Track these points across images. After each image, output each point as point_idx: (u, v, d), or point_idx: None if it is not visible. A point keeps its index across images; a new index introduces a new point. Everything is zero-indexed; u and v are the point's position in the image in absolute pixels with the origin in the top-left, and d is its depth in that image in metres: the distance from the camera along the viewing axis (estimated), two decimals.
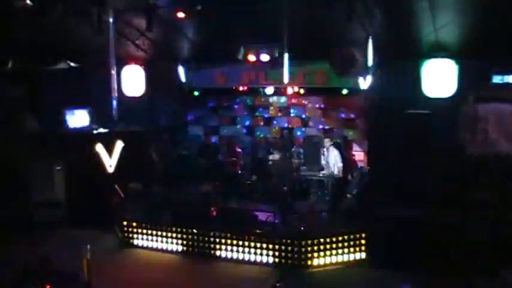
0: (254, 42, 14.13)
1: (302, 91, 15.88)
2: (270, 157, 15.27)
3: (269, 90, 16.17)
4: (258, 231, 11.64)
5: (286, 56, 12.82)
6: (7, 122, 14.04)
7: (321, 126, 16.43)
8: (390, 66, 13.74)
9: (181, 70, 16.66)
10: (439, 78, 12.55)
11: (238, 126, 17.78)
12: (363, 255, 11.38)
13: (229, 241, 11.75)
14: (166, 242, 12.36)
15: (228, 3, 11.59)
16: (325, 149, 13.39)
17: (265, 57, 14.57)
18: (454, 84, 12.53)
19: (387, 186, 11.85)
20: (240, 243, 11.64)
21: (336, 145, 13.64)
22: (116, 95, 12.36)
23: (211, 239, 11.89)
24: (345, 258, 11.38)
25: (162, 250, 12.40)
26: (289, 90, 15.97)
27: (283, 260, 11.28)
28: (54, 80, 15.80)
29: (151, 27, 12.79)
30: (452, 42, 12.35)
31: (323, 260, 11.27)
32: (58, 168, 13.94)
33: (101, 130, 14.80)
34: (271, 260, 11.40)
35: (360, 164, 15.13)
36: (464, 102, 12.28)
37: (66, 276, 9.34)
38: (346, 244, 11.35)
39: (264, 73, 15.91)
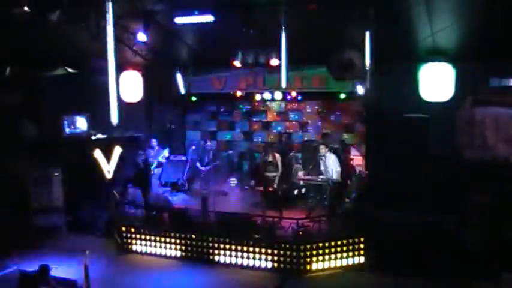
0: (252, 47, 14.15)
1: (300, 96, 15.91)
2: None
3: (267, 95, 16.19)
4: (256, 236, 11.63)
5: (283, 60, 12.84)
6: (5, 128, 14.03)
7: (319, 131, 16.43)
8: (388, 70, 13.78)
9: (179, 75, 16.67)
10: (436, 82, 12.59)
11: (237, 131, 17.77)
12: (362, 259, 11.37)
13: (227, 246, 11.74)
14: (165, 247, 12.35)
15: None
16: (323, 154, 13.40)
17: (263, 63, 14.61)
18: (451, 88, 12.57)
19: (385, 190, 11.86)
20: (239, 248, 11.63)
21: (334, 149, 13.63)
22: (114, 100, 12.36)
23: (210, 244, 11.88)
24: (344, 262, 11.37)
25: (160, 255, 12.38)
26: (287, 95, 16.01)
27: (282, 265, 11.28)
28: (52, 86, 15.80)
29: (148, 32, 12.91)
30: (449, 46, 12.39)
31: (322, 264, 11.27)
32: (57, 174, 13.91)
33: (99, 136, 14.81)
34: (270, 264, 11.40)
35: (358, 168, 15.13)
36: (461, 106, 12.31)
37: (65, 282, 9.34)
38: (344, 248, 11.35)
39: (262, 78, 15.95)
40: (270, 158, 13.89)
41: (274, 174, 13.86)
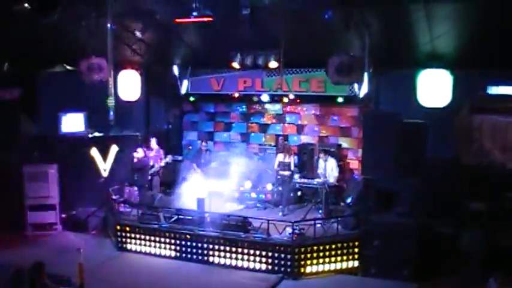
0: (251, 49, 14.16)
1: (297, 99, 15.93)
2: None
3: (265, 97, 16.19)
4: (251, 237, 11.63)
5: (282, 63, 12.86)
6: (3, 125, 14.00)
7: (316, 134, 16.43)
8: (386, 76, 13.83)
9: (177, 75, 16.68)
10: (434, 88, 12.62)
11: (233, 133, 17.77)
12: (356, 263, 11.38)
13: (222, 247, 11.73)
14: (160, 247, 12.33)
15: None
16: (319, 157, 13.42)
17: (261, 65, 14.62)
18: (449, 94, 12.60)
19: (381, 194, 11.87)
20: (234, 249, 11.63)
21: (331, 153, 13.66)
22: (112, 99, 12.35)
23: (205, 245, 11.88)
24: (338, 266, 11.37)
25: (155, 255, 12.36)
26: (285, 98, 16.01)
27: (276, 267, 11.27)
28: (50, 84, 15.80)
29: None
30: (447, 53, 12.43)
31: (316, 267, 11.27)
32: (52, 171, 13.89)
33: (96, 134, 14.80)
34: (264, 267, 11.39)
35: (354, 173, 15.17)
36: (459, 112, 12.35)
37: (59, 280, 9.32)
38: (339, 252, 11.35)
39: (260, 80, 15.95)
40: (286, 159, 13.87)
41: (288, 173, 13.84)
